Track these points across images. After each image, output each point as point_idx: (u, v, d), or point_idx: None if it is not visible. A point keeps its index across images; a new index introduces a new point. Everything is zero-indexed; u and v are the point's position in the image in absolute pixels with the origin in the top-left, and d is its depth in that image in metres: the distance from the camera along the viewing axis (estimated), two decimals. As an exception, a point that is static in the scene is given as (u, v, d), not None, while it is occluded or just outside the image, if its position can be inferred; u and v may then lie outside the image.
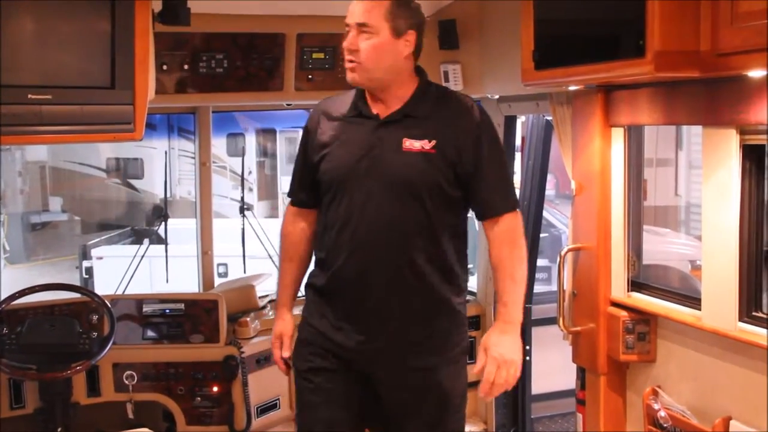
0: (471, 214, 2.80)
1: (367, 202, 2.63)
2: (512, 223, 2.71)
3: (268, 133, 18.21)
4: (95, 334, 3.72)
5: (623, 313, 3.20)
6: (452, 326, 2.77)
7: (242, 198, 6.77)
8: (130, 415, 3.84)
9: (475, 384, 2.73)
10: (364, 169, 2.64)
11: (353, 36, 2.61)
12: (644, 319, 3.17)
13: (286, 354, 2.88)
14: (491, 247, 2.72)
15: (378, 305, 2.66)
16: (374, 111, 2.68)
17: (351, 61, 2.62)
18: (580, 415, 3.54)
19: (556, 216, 9.78)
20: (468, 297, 4.63)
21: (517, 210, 2.74)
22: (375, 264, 2.64)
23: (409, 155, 2.62)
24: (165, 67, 3.64)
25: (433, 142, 2.62)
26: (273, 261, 5.65)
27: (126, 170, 17.97)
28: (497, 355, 2.60)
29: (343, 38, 2.64)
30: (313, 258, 2.87)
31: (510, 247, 2.69)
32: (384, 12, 2.60)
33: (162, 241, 7.25)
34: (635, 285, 3.29)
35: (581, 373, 3.51)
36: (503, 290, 2.68)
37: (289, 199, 2.98)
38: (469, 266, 6.37)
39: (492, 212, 2.71)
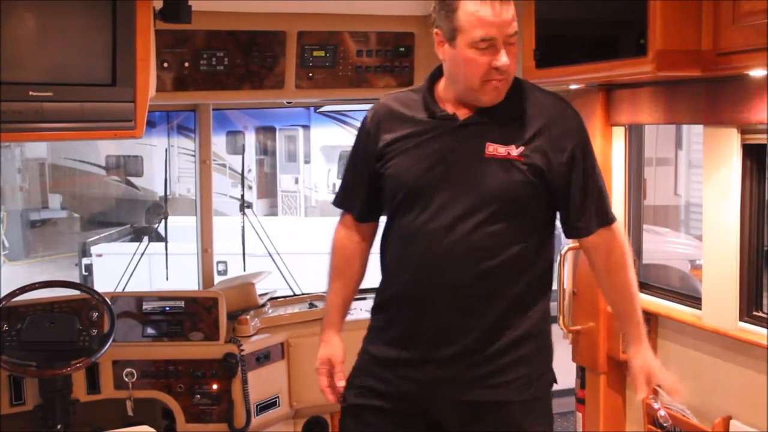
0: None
1: (439, 214, 2.31)
2: (614, 236, 2.42)
3: (267, 131, 18.24)
4: (95, 331, 3.72)
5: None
6: (535, 354, 2.42)
7: (242, 196, 6.78)
8: (130, 413, 3.84)
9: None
10: (438, 178, 2.32)
11: (504, 51, 2.25)
12: (644, 318, 3.16)
13: (342, 383, 2.52)
14: (599, 268, 2.45)
15: (443, 328, 2.34)
16: (451, 112, 2.37)
17: (501, 80, 2.28)
18: (579, 414, 3.55)
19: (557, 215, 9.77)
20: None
21: (614, 223, 2.43)
22: (442, 284, 2.32)
23: (492, 162, 2.29)
24: (166, 65, 3.63)
25: (521, 149, 2.28)
26: (272, 259, 5.67)
27: (126, 168, 18.01)
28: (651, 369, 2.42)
29: (489, 54, 2.24)
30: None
31: (622, 263, 2.43)
32: (514, 12, 2.29)
33: (161, 238, 7.26)
34: (635, 284, 3.29)
35: (581, 372, 3.52)
36: (632, 313, 2.45)
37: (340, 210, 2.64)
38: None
39: (592, 228, 2.39)
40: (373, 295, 2.56)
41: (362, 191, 2.52)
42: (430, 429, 2.44)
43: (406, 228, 2.37)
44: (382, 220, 2.57)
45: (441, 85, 2.42)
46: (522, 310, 2.36)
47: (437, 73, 2.44)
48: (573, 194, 2.35)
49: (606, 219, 2.41)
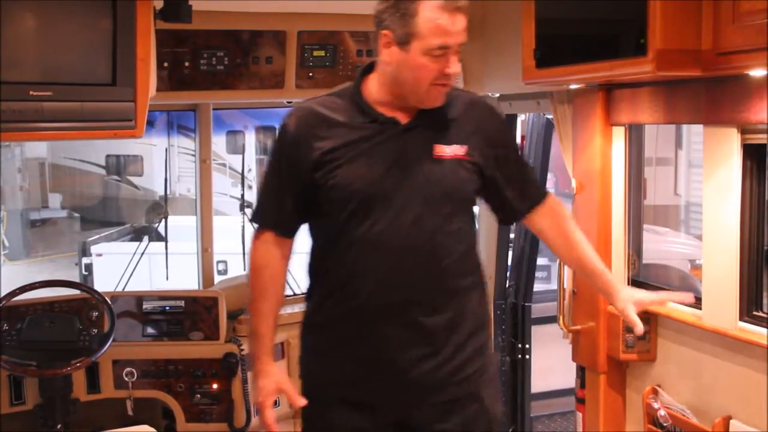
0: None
1: (398, 219, 2.30)
2: (553, 200, 2.59)
3: (267, 130, 18.21)
4: (95, 330, 3.72)
5: (625, 312, 3.20)
6: (486, 341, 2.53)
7: (242, 195, 6.77)
8: (130, 412, 3.84)
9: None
10: (392, 183, 2.30)
11: (455, 59, 2.27)
12: (644, 317, 3.14)
13: (303, 401, 2.43)
14: (551, 233, 2.57)
15: (416, 332, 2.34)
16: (389, 115, 2.35)
17: (446, 85, 2.32)
18: (579, 414, 3.54)
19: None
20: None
21: (548, 193, 2.62)
22: (413, 288, 2.32)
23: (443, 163, 2.34)
24: (166, 64, 3.64)
25: (465, 148, 2.37)
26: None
27: (126, 167, 17.99)
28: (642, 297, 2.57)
29: (441, 61, 2.25)
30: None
31: (569, 221, 2.58)
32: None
33: (161, 238, 7.26)
34: (635, 284, 3.28)
35: (581, 371, 3.51)
36: (598, 264, 2.57)
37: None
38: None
39: (536, 201, 2.55)
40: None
41: (290, 205, 2.41)
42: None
43: (363, 236, 2.31)
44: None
45: (371, 88, 2.38)
46: (471, 302, 2.44)
47: (363, 76, 2.41)
48: (513, 183, 2.51)
49: (543, 192, 2.60)
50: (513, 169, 2.51)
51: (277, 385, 2.46)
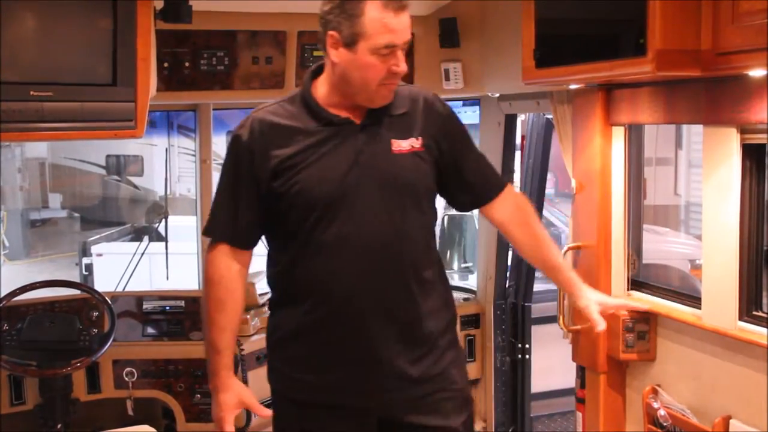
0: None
1: (366, 216, 2.32)
2: (516, 192, 2.63)
3: (268, 130, 18.16)
4: (95, 330, 3.72)
5: (623, 312, 3.20)
6: (456, 334, 2.58)
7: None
8: (130, 412, 3.85)
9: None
10: (356, 183, 2.31)
11: (402, 57, 2.28)
12: (644, 317, 3.17)
13: (268, 412, 2.48)
14: (513, 224, 2.57)
15: (398, 327, 2.37)
16: (343, 116, 2.36)
17: (394, 83, 2.34)
18: (579, 414, 3.54)
19: (556, 215, 9.77)
20: (468, 295, 4.66)
21: (507, 183, 2.65)
22: (388, 283, 2.34)
23: (401, 157, 2.37)
24: (166, 64, 3.64)
25: (420, 140, 2.39)
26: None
27: (126, 167, 17.98)
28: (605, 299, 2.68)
29: (389, 60, 2.26)
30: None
31: (533, 215, 2.59)
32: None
33: (162, 238, 7.26)
34: (635, 284, 3.29)
35: (581, 371, 3.51)
36: (561, 261, 2.63)
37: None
38: (469, 264, 6.32)
39: (497, 189, 2.56)
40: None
41: (246, 217, 2.39)
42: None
43: (332, 239, 2.32)
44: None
45: (321, 91, 2.39)
46: (438, 294, 2.47)
47: (312, 79, 2.41)
48: (469, 169, 2.53)
49: (502, 180, 2.64)
50: (469, 156, 2.54)
51: (239, 399, 2.46)
